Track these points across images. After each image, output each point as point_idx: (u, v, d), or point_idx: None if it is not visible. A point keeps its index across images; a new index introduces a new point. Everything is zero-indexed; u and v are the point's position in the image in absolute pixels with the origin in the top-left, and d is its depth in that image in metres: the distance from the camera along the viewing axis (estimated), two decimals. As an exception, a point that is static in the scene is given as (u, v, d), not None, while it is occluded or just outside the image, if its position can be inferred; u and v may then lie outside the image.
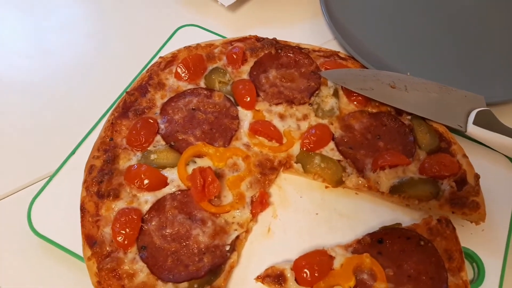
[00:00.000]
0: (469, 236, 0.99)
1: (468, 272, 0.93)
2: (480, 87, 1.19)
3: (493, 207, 1.00)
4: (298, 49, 1.22)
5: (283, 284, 0.86)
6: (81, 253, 0.89)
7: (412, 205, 1.00)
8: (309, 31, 1.37)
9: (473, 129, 1.09)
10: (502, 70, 1.29)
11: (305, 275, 0.85)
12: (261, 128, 1.06)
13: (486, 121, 1.09)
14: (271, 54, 1.20)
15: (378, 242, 0.92)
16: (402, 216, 1.00)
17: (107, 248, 0.88)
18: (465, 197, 0.97)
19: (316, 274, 0.85)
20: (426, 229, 0.94)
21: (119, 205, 0.93)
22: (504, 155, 1.10)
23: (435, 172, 1.00)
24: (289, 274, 0.87)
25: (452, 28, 1.40)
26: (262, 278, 0.87)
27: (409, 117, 1.11)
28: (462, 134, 1.11)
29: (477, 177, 1.00)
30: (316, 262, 0.87)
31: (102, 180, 0.95)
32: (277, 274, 0.87)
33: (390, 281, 0.87)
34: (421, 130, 1.08)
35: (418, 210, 1.01)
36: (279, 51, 1.21)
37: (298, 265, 0.87)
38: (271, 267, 0.89)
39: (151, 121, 1.05)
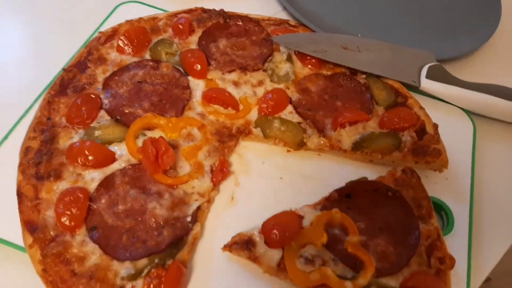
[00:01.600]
0: (434, 186, 0.98)
1: (438, 223, 0.92)
2: (428, 45, 1.21)
3: (454, 156, 0.99)
4: (247, 18, 1.17)
5: (252, 249, 0.80)
6: (21, 243, 0.78)
7: (375, 159, 0.98)
8: (257, 4, 1.33)
9: (426, 83, 1.10)
10: (449, 28, 1.31)
11: (274, 236, 0.79)
12: (215, 94, 1.00)
13: (438, 74, 1.12)
14: (219, 24, 1.15)
15: (346, 197, 0.89)
16: (367, 172, 0.97)
17: (51, 233, 0.77)
18: (426, 146, 0.97)
19: (286, 234, 0.80)
20: (392, 181, 0.91)
21: (62, 185, 0.83)
22: (458, 106, 1.11)
23: (395, 125, 0.99)
24: (258, 238, 0.81)
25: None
26: (229, 246, 0.81)
27: (364, 76, 1.10)
28: (417, 90, 1.12)
29: (435, 126, 1.00)
30: (285, 222, 0.82)
31: (40, 162, 0.85)
32: (245, 240, 0.81)
33: (363, 233, 0.83)
34: (377, 87, 1.07)
35: (382, 164, 0.99)
36: (228, 20, 1.16)
37: (266, 227, 0.81)
38: (238, 234, 0.82)
39: (93, 96, 0.96)
